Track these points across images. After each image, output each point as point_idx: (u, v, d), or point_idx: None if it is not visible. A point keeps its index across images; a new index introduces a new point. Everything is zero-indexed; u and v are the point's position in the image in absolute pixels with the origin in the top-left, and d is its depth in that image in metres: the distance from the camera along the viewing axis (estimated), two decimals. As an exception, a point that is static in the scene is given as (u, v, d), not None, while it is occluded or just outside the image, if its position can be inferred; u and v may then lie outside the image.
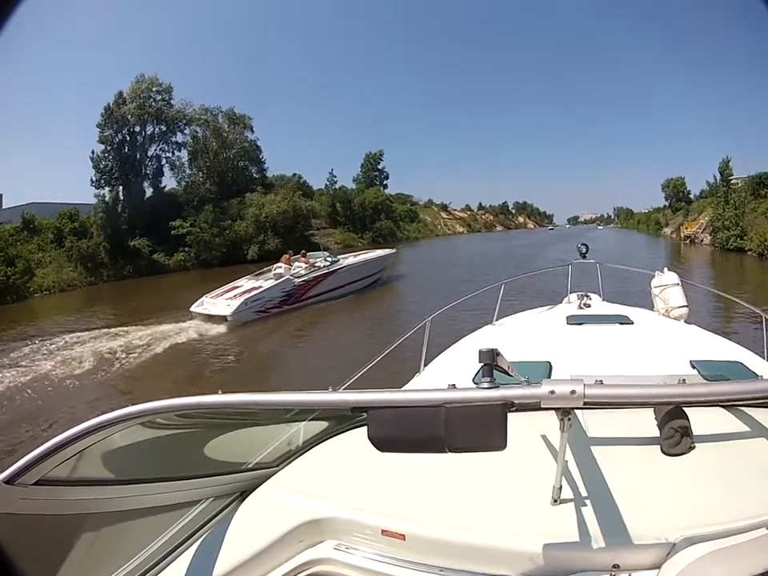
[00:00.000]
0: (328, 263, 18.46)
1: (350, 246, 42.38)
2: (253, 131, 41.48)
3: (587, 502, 1.55)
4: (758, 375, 2.92)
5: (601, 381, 1.15)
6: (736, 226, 34.19)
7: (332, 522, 1.63)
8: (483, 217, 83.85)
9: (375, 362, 3.46)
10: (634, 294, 6.24)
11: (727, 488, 1.59)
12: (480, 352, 1.15)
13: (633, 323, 4.20)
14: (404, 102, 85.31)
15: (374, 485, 1.76)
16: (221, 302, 15.27)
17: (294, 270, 17.44)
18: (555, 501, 1.54)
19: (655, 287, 5.05)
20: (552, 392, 1.05)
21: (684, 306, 4.78)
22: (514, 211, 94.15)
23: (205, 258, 33.66)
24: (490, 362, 1.14)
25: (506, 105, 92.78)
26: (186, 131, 38.69)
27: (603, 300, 5.40)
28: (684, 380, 1.71)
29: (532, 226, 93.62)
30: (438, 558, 1.50)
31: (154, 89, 36.01)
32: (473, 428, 1.06)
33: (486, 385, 1.08)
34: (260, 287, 16.10)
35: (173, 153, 38.62)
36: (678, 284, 4.93)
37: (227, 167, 40.09)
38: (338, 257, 19.48)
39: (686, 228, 44.42)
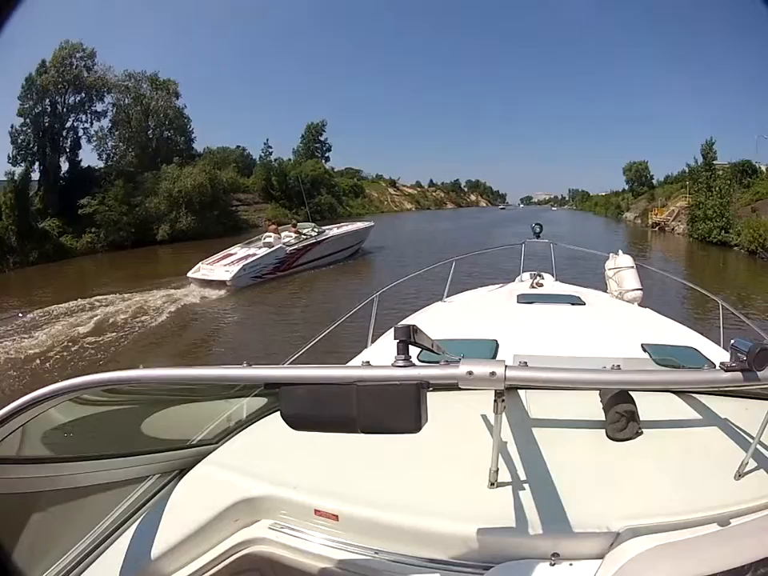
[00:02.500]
0: (315, 233, 20.79)
1: (283, 224, 39.50)
2: (178, 97, 39.22)
3: (526, 486, 1.59)
4: (711, 361, 2.88)
5: (525, 362, 1.20)
6: (720, 216, 31.63)
7: (266, 500, 1.68)
8: (434, 194, 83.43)
9: (319, 338, 3.48)
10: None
11: (676, 477, 1.63)
12: (395, 329, 1.15)
13: (584, 304, 4.26)
14: (365, 79, 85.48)
15: (309, 463, 1.76)
16: (218, 268, 16.83)
17: (284, 239, 19.47)
18: (492, 484, 1.58)
19: (609, 269, 5.19)
20: (470, 372, 1.06)
21: (638, 289, 4.87)
22: (466, 189, 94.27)
23: (113, 240, 31.24)
24: (405, 339, 1.14)
25: (464, 81, 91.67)
26: (107, 99, 36.16)
27: (556, 280, 5.59)
28: (619, 366, 1.66)
29: (484, 205, 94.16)
30: (372, 540, 1.55)
31: (77, 54, 33.38)
32: (385, 408, 1.07)
33: (400, 363, 1.09)
34: (255, 254, 17.81)
35: (91, 123, 35.90)
36: (632, 267, 5.06)
37: (148, 137, 37.67)
38: (323, 228, 21.85)
39: (655, 214, 42.68)
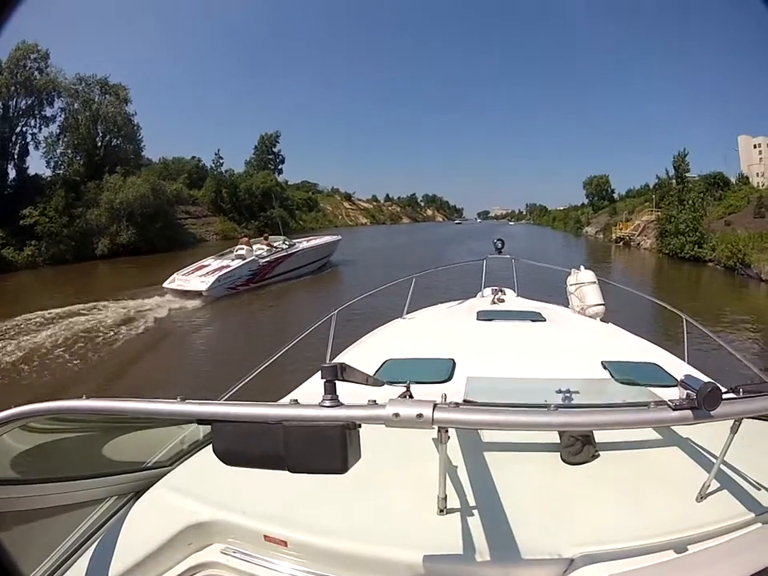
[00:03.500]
0: (286, 246, 21.81)
1: (231, 238, 39.18)
2: (127, 103, 38.32)
3: (476, 512, 1.58)
4: (673, 377, 2.85)
5: (456, 403, 1.15)
6: (694, 231, 30.75)
7: (217, 525, 1.70)
8: (389, 208, 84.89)
9: (271, 361, 3.26)
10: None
11: (634, 501, 1.61)
12: (322, 368, 1.17)
13: (545, 320, 4.30)
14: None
15: (259, 488, 1.75)
16: (194, 279, 17.65)
17: (257, 251, 20.36)
18: (441, 510, 1.58)
19: (571, 285, 5.22)
20: (396, 414, 1.06)
21: (600, 305, 4.92)
22: (422, 204, 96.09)
23: (54, 253, 30.00)
24: (332, 379, 1.15)
25: (427, 93, 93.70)
26: (56, 104, 35.13)
27: (518, 295, 5.67)
28: (556, 407, 1.50)
29: (440, 219, 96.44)
30: (321, 566, 1.56)
31: (31, 56, 32.48)
32: (312, 448, 1.09)
33: (327, 403, 1.11)
34: (229, 266, 18.70)
35: (40, 129, 34.94)
36: (594, 282, 5.10)
37: (95, 145, 36.75)
38: (294, 241, 22.97)
39: (620, 229, 42.54)
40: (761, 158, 42.00)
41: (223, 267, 18.53)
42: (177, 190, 40.02)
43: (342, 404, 1.10)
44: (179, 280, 17.66)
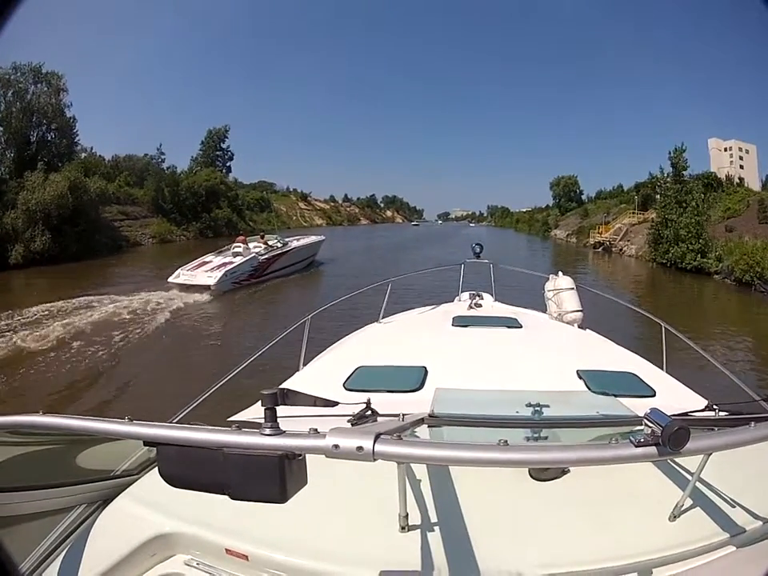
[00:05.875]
0: (281, 245, 23.82)
1: (168, 242, 36.56)
2: (60, 93, 35.57)
3: (438, 530, 1.57)
4: (651, 388, 2.92)
5: (399, 436, 1.13)
6: (697, 237, 27.63)
7: (180, 536, 1.72)
8: (348, 209, 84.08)
9: (242, 368, 3.18)
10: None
11: (602, 521, 1.59)
12: (261, 395, 1.18)
13: (521, 327, 4.23)
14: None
15: (222, 500, 1.56)
16: (200, 274, 19.08)
17: (255, 249, 22.22)
18: (403, 528, 1.58)
19: (549, 291, 5.30)
20: (336, 446, 1.05)
21: (578, 311, 4.97)
22: (382, 205, 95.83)
23: None
24: (272, 406, 1.15)
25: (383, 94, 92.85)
26: None
27: (495, 300, 5.75)
28: (506, 441, 1.33)
29: (400, 221, 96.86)
30: None
31: None
32: (250, 476, 1.09)
33: (267, 431, 1.11)
34: (232, 262, 20.26)
35: None
36: (572, 288, 5.18)
37: (28, 139, 34.12)
38: (286, 239, 24.85)
39: (600, 232, 39.70)
40: (731, 162, 42.34)
41: (227, 263, 20.03)
42: (100, 188, 36.16)
43: (282, 432, 1.10)
44: (184, 275, 19.05)
